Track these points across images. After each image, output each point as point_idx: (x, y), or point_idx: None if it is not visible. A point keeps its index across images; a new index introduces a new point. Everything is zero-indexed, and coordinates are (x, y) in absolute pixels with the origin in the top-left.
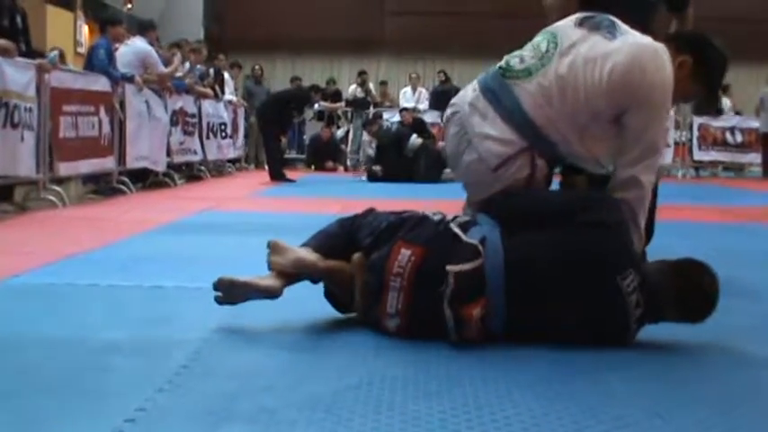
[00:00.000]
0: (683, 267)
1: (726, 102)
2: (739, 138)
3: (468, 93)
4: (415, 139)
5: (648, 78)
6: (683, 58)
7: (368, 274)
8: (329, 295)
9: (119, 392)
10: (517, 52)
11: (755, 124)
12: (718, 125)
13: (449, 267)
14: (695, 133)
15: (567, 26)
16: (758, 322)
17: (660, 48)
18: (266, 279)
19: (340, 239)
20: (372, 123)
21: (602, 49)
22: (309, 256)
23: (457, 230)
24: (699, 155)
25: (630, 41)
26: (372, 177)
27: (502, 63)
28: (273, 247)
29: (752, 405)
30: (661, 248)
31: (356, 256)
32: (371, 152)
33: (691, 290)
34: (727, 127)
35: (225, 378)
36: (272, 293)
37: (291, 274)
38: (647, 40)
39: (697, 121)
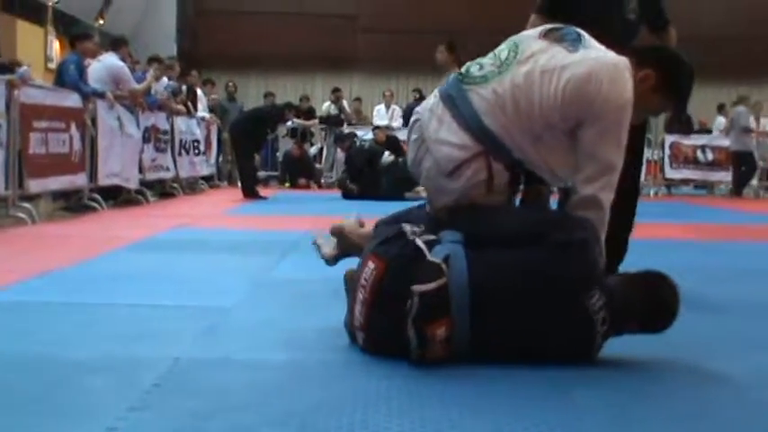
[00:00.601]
0: (644, 280)
1: (720, 120)
2: (710, 156)
3: (430, 100)
4: (386, 157)
5: (603, 94)
6: (645, 72)
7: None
8: None
9: (90, 411)
10: (479, 60)
11: (726, 143)
12: (690, 143)
13: (414, 287)
14: (667, 151)
15: (530, 36)
16: (722, 337)
17: (622, 63)
18: (327, 247)
19: None
20: (344, 140)
21: (561, 61)
22: (347, 225)
23: (422, 247)
24: (670, 173)
25: (592, 56)
26: (347, 195)
27: (462, 69)
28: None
29: (713, 420)
30: (630, 265)
31: (348, 270)
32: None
33: (652, 302)
34: (698, 145)
35: (198, 396)
36: (327, 260)
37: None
38: (610, 55)
39: (669, 139)
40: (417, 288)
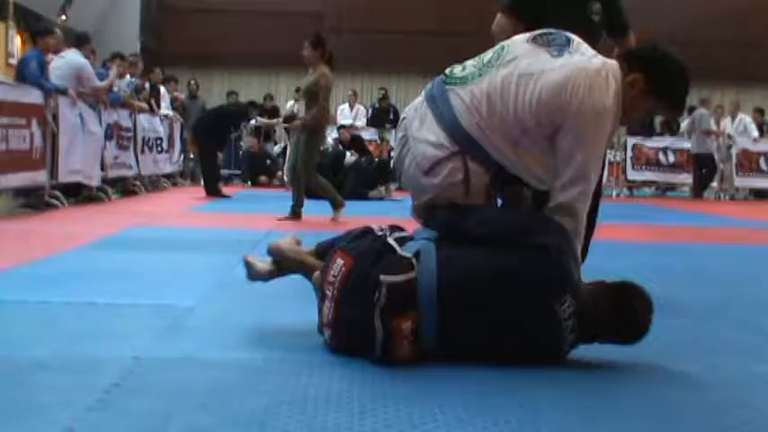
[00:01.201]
0: (619, 293)
1: (727, 123)
2: (672, 158)
3: (417, 99)
4: (349, 157)
5: (579, 100)
6: (633, 77)
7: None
8: None
9: (47, 411)
10: (466, 61)
11: (687, 145)
12: (652, 145)
13: (382, 277)
14: (629, 153)
15: (518, 40)
16: (686, 340)
17: (606, 70)
18: (262, 263)
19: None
20: None
21: (541, 66)
22: (284, 244)
23: (393, 243)
24: (632, 174)
25: (575, 61)
26: (311, 194)
27: (447, 70)
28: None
29: (678, 423)
30: (593, 268)
31: (315, 273)
32: None
33: (624, 315)
34: (660, 147)
35: (157, 396)
36: (263, 277)
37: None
38: (594, 61)
39: (631, 140)
40: (385, 278)
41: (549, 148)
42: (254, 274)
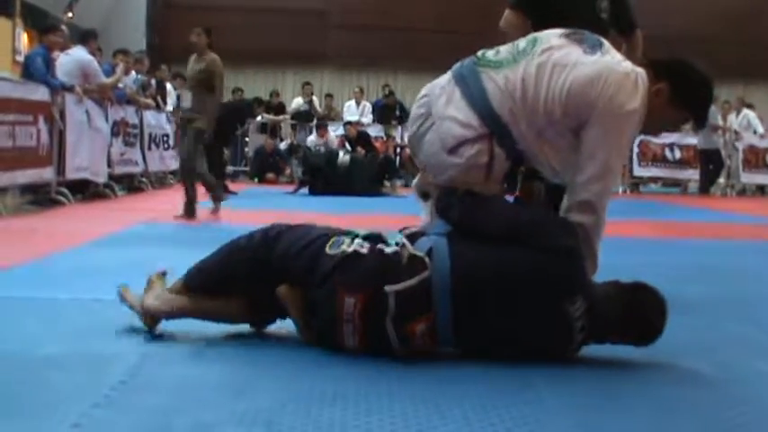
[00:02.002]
0: (632, 295)
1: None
2: (678, 154)
3: (443, 79)
4: (343, 157)
5: (608, 97)
6: (658, 86)
7: (313, 318)
8: None
9: (54, 408)
10: (497, 47)
11: (694, 141)
12: (659, 141)
13: (387, 288)
14: (635, 149)
15: (551, 33)
16: (694, 337)
17: (636, 75)
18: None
19: (240, 270)
20: (297, 151)
21: (575, 59)
22: (154, 302)
23: (405, 242)
24: (639, 171)
25: (606, 60)
26: (314, 191)
27: (479, 53)
28: (148, 283)
29: (686, 419)
30: (600, 265)
31: (283, 289)
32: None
33: (637, 319)
34: (666, 143)
35: (163, 393)
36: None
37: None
38: (625, 64)
39: (637, 137)
40: (390, 288)
41: (571, 142)
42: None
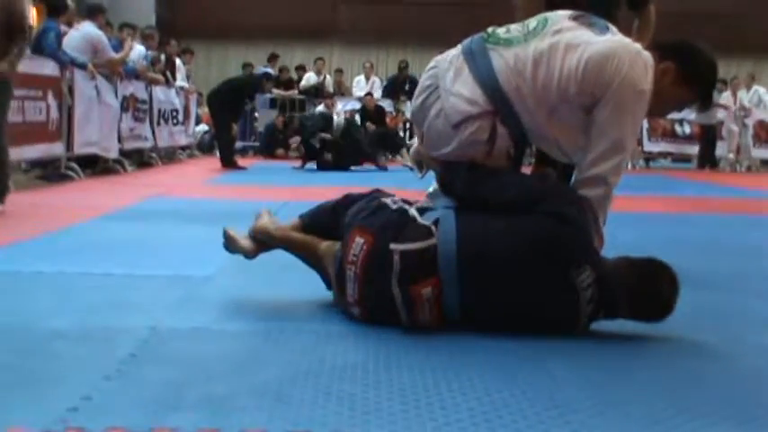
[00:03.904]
0: (644, 270)
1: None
2: (687, 129)
3: (452, 52)
4: (338, 119)
5: (623, 75)
6: (665, 65)
7: (333, 265)
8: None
9: (64, 380)
10: (508, 25)
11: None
12: (668, 116)
13: (392, 246)
14: (645, 124)
15: (560, 15)
16: (701, 311)
17: (645, 54)
18: (246, 240)
19: (327, 215)
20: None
21: (587, 39)
22: (269, 225)
23: (414, 213)
24: (649, 146)
25: (617, 39)
26: (323, 166)
27: (489, 30)
28: (256, 216)
29: (695, 392)
30: (610, 237)
31: (324, 245)
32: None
33: (649, 294)
34: (676, 119)
35: (173, 366)
36: (247, 253)
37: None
38: (635, 44)
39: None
40: (396, 247)
41: (582, 121)
42: (233, 248)
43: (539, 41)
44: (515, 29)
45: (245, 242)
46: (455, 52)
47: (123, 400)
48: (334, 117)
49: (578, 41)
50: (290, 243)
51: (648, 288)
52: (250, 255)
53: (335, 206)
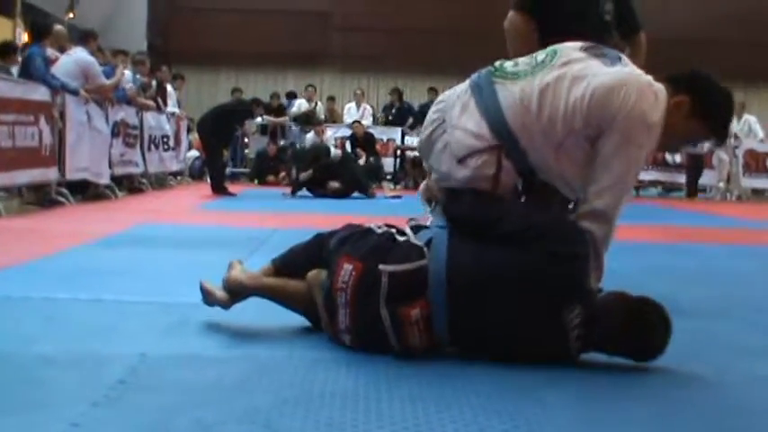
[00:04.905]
0: (634, 308)
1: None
2: (678, 158)
3: (461, 87)
4: (335, 151)
5: (629, 107)
6: (679, 98)
7: (321, 294)
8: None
9: (52, 406)
10: (517, 59)
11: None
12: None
13: (381, 267)
14: None
15: (570, 47)
16: (691, 340)
17: (657, 87)
18: (221, 292)
19: (302, 255)
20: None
21: (595, 70)
22: (240, 275)
23: (408, 232)
24: (640, 174)
25: (627, 70)
26: (330, 195)
27: (497, 63)
28: (229, 265)
29: (685, 422)
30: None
31: (310, 274)
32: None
33: (638, 332)
34: None
35: (162, 392)
36: (222, 304)
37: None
38: (646, 76)
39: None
40: (385, 268)
41: (589, 154)
42: (211, 300)
43: (546, 74)
44: (524, 62)
45: (221, 294)
46: (463, 87)
47: (111, 427)
48: (331, 149)
49: (586, 73)
50: (264, 289)
51: (637, 328)
52: (226, 306)
53: (307, 246)
